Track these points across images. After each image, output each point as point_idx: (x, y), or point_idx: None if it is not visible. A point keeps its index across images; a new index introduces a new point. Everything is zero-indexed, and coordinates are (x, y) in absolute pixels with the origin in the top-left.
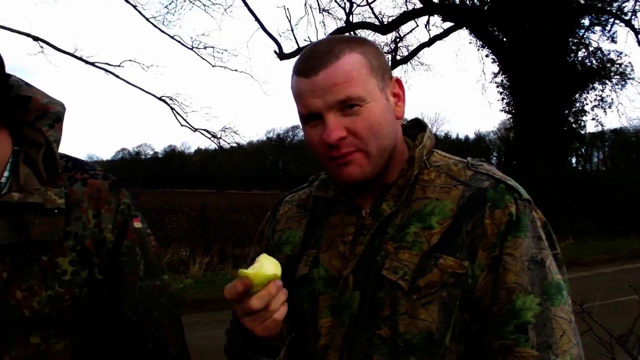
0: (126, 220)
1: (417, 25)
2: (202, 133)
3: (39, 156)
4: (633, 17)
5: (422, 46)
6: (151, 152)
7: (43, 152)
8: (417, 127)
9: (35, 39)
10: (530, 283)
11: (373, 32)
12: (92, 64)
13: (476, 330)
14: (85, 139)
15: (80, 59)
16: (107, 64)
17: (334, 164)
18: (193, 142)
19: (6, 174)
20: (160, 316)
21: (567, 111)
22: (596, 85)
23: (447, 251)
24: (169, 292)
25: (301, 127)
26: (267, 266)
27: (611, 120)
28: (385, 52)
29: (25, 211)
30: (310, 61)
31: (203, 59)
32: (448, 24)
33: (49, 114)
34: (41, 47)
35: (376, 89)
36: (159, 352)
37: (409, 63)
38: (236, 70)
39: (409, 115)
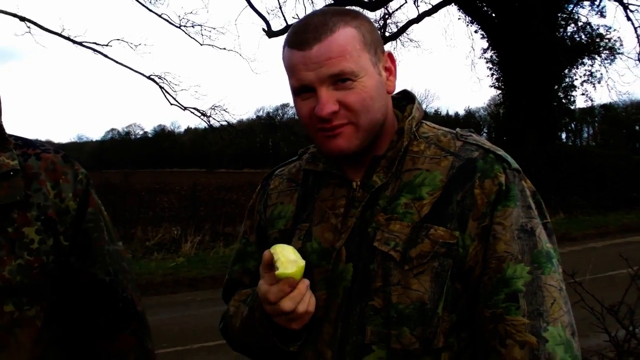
0: (87, 189)
1: (406, 2)
2: (191, 111)
3: None
4: None
5: (411, 22)
6: (141, 132)
7: None
8: (405, 99)
9: (22, 19)
10: (520, 252)
11: (362, 9)
12: (80, 43)
13: (468, 299)
14: (74, 119)
15: (67, 38)
16: (95, 43)
17: (322, 135)
18: (183, 122)
19: None
20: (124, 279)
21: (556, 86)
22: (585, 60)
23: (438, 221)
24: (126, 256)
25: (292, 99)
26: (292, 256)
27: (601, 96)
28: None
29: None
30: (304, 34)
31: (191, 37)
32: (437, 0)
33: None
34: (28, 27)
35: (369, 64)
36: (128, 311)
37: (398, 40)
38: (224, 49)
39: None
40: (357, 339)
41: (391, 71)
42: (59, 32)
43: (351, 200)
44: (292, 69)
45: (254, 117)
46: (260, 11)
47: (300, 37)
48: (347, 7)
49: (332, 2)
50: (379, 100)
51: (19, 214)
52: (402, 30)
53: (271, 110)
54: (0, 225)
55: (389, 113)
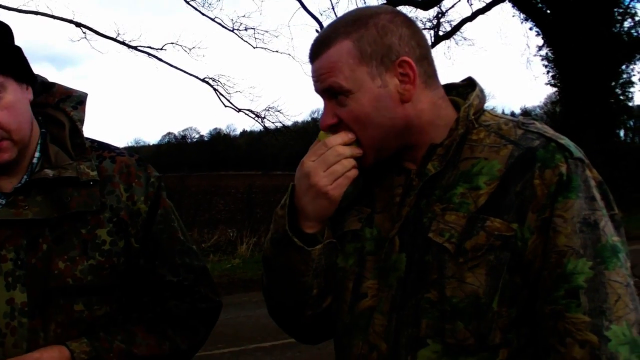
0: (158, 192)
1: (459, 0)
2: (246, 113)
3: (65, 135)
4: None
5: (464, 21)
6: (197, 136)
7: (69, 131)
8: (470, 86)
9: (78, 24)
10: (582, 246)
11: (415, 8)
12: (135, 48)
13: (528, 294)
14: (131, 124)
15: (123, 43)
16: (150, 47)
17: None
18: (238, 124)
19: (37, 154)
20: (195, 278)
21: (614, 83)
22: None
23: (495, 213)
24: (199, 254)
25: None
26: None
27: None
28: (428, 28)
29: (62, 186)
30: (312, 48)
31: (244, 40)
32: None
33: (72, 97)
34: (84, 32)
35: (366, 78)
36: (212, 312)
37: (451, 38)
38: (277, 52)
39: None
40: (412, 331)
41: (409, 78)
42: (114, 37)
43: (407, 189)
44: None
45: (309, 118)
46: (313, 12)
47: (310, 51)
48: (367, 10)
49: (385, 2)
50: (379, 115)
51: (92, 216)
52: (456, 29)
53: None
54: (74, 227)
55: (423, 115)
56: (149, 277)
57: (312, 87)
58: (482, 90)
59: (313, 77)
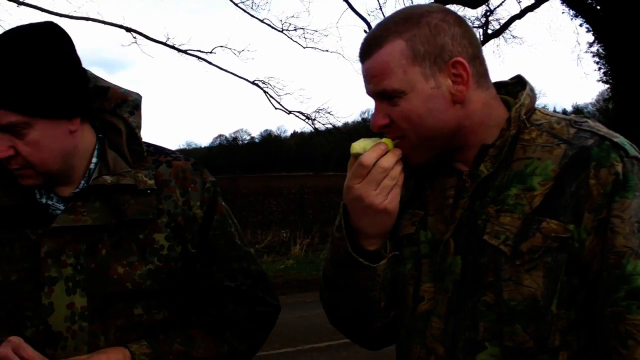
0: (213, 197)
1: None
2: (296, 115)
3: (122, 141)
4: None
5: (513, 18)
6: (248, 138)
7: (127, 138)
8: (520, 84)
9: (128, 30)
10: None
11: (462, 7)
12: (185, 51)
13: (587, 295)
14: (183, 127)
15: (172, 47)
16: (199, 50)
17: None
18: (289, 126)
19: (94, 159)
20: (252, 283)
21: None
22: None
23: (551, 214)
24: (256, 259)
25: None
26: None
27: None
28: (476, 27)
29: (120, 193)
30: (362, 47)
31: (294, 41)
32: None
33: (128, 102)
34: (134, 37)
35: (419, 78)
36: (270, 316)
37: (500, 37)
38: (327, 51)
39: None
40: (469, 335)
41: (462, 78)
42: (164, 41)
43: (460, 191)
44: None
45: (359, 119)
46: (361, 13)
47: (360, 50)
48: (418, 9)
49: (433, 2)
50: (432, 115)
51: (149, 222)
52: (505, 27)
53: None
54: (132, 232)
55: (475, 116)
56: (206, 282)
57: (362, 88)
58: (532, 89)
59: (364, 77)
